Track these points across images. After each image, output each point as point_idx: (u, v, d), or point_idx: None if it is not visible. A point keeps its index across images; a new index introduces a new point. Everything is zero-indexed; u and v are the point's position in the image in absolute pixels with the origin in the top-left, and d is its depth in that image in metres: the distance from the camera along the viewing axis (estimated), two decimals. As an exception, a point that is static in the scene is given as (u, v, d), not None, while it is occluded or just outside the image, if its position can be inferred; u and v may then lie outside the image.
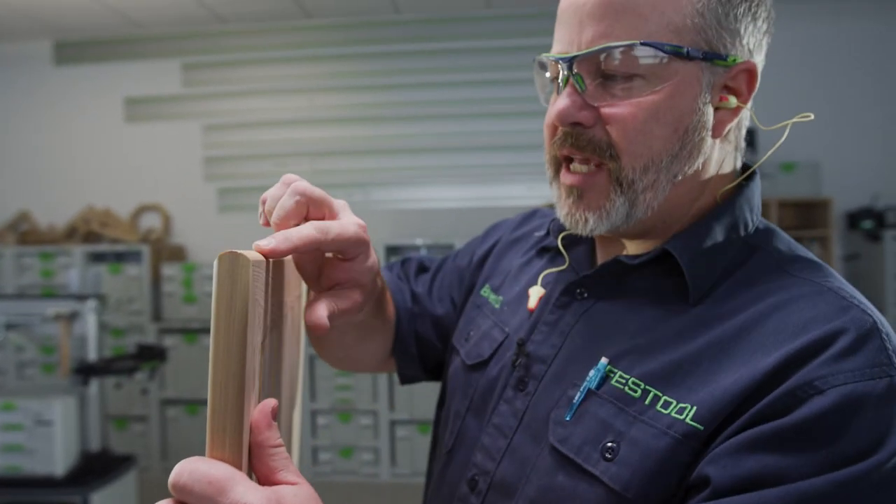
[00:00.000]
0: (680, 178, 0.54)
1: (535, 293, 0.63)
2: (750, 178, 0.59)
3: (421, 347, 0.80)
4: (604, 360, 0.52)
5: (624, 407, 0.49)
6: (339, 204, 0.53)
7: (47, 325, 2.41)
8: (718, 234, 0.54)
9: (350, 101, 3.70)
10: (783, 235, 0.57)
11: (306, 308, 0.49)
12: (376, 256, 0.56)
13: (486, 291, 0.73)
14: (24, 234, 3.72)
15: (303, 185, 0.50)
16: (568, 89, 0.53)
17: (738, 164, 0.60)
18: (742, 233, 0.55)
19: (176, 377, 3.30)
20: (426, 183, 3.67)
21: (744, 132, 0.59)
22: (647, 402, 0.48)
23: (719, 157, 0.57)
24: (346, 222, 0.50)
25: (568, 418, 0.52)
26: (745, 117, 0.58)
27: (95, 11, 3.42)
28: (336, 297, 0.51)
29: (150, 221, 3.79)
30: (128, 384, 3.08)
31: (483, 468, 0.59)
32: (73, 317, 2.32)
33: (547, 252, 0.69)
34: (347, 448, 3.26)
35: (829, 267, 0.53)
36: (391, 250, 3.37)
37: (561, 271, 0.64)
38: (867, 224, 3.28)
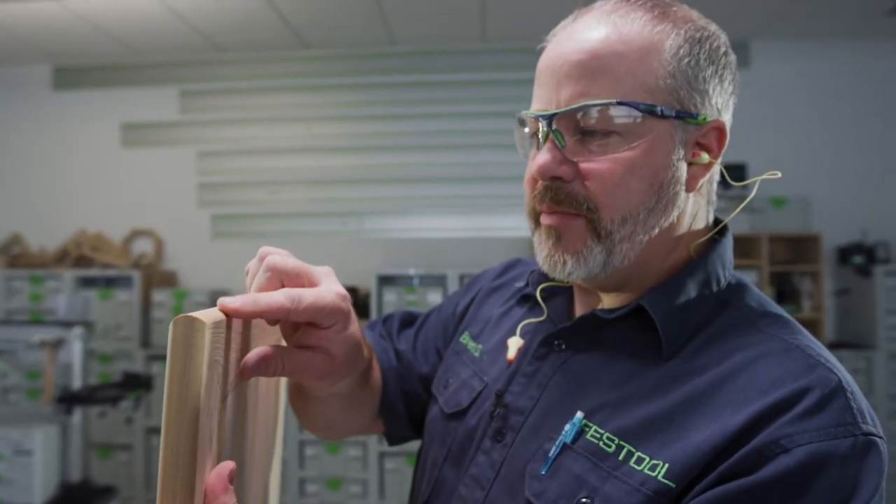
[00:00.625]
0: (657, 230, 0.55)
1: (514, 344, 0.64)
2: (721, 233, 0.61)
3: (409, 405, 0.79)
4: (579, 415, 0.53)
5: (598, 462, 0.50)
6: (323, 271, 0.52)
7: (33, 352, 2.38)
8: (692, 290, 0.55)
9: (346, 130, 3.73)
10: (754, 291, 0.58)
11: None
12: (359, 328, 0.55)
13: (465, 339, 0.73)
14: (15, 256, 3.70)
15: (274, 259, 0.50)
16: (548, 145, 0.55)
17: (710, 219, 0.61)
18: (714, 288, 0.57)
19: (162, 405, 3.25)
20: (420, 213, 3.68)
21: (715, 187, 0.61)
22: (620, 457, 0.49)
23: (692, 210, 0.58)
24: (324, 291, 0.49)
25: (543, 472, 0.52)
26: (716, 172, 0.60)
27: (95, 38, 3.46)
28: (292, 355, 0.49)
29: (143, 246, 3.78)
30: (113, 412, 3.03)
31: None
32: (58, 344, 2.30)
33: (527, 301, 0.69)
34: (335, 480, 3.21)
35: (798, 324, 0.54)
36: (384, 279, 3.36)
37: (539, 322, 0.64)
38: (858, 259, 3.30)
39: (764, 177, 0.59)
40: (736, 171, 3.26)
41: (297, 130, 3.74)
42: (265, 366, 0.46)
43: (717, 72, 0.56)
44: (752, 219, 3.29)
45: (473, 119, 3.63)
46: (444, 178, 3.67)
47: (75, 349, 2.31)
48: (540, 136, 0.56)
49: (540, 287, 0.66)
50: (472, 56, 3.66)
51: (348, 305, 0.51)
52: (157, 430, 3.28)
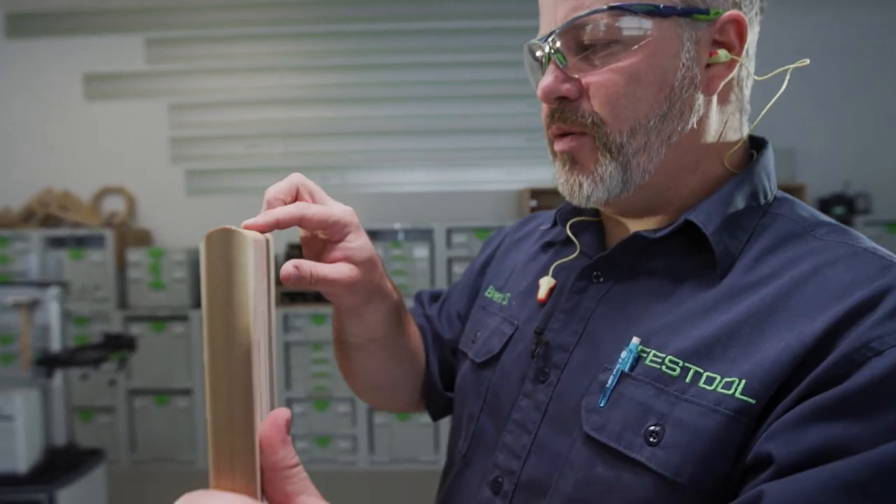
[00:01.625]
0: (675, 139, 0.53)
1: (545, 284, 0.62)
2: (763, 147, 0.59)
3: (442, 370, 0.78)
4: (635, 340, 0.50)
5: (663, 387, 0.47)
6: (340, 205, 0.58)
7: (5, 314, 2.27)
8: (739, 202, 0.53)
9: (324, 81, 3.58)
10: (803, 203, 0.56)
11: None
12: (369, 240, 0.59)
13: (490, 292, 0.71)
14: (-23, 217, 3.52)
15: (299, 175, 0.57)
16: (550, 66, 0.54)
17: (745, 131, 0.58)
18: (762, 201, 0.54)
19: (143, 366, 3.18)
20: (404, 166, 3.59)
21: (747, 94, 0.58)
22: (687, 380, 0.46)
23: (720, 119, 0.55)
24: (332, 204, 0.56)
25: (602, 404, 0.49)
26: (746, 77, 0.57)
27: (51, -19, 3.21)
28: (320, 265, 0.54)
29: (114, 205, 3.62)
30: (95, 375, 2.95)
31: (507, 468, 0.56)
32: (33, 305, 2.19)
33: (552, 246, 0.68)
34: (324, 437, 3.20)
35: (855, 230, 0.52)
36: (370, 234, 3.28)
37: (572, 259, 0.62)
38: (839, 210, 3.34)
39: (795, 65, 0.57)
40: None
41: (273, 81, 3.58)
42: (300, 274, 0.51)
43: None
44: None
45: (457, 69, 3.52)
46: (427, 130, 3.57)
47: (52, 310, 2.21)
48: (543, 59, 0.55)
49: (570, 222, 0.64)
50: (453, 4, 3.52)
51: (356, 219, 0.57)
52: (139, 393, 3.22)
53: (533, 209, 3.29)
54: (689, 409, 0.45)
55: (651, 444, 0.45)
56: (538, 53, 0.56)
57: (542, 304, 0.61)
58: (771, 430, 0.41)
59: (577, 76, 0.53)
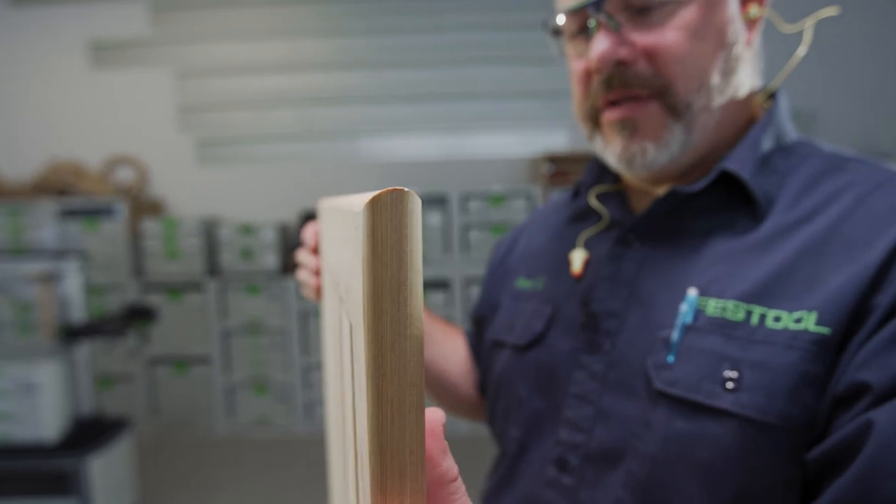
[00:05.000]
0: (730, 94, 0.54)
1: (579, 256, 0.61)
2: (775, 95, 0.59)
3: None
4: (693, 292, 0.50)
5: (732, 332, 0.46)
6: None
7: (23, 286, 2.27)
8: (767, 145, 0.54)
9: (335, 45, 3.51)
10: (824, 143, 0.56)
11: None
12: None
13: (521, 282, 0.69)
14: (-12, 188, 3.50)
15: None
16: (601, 32, 0.52)
17: (758, 82, 0.59)
18: (787, 142, 0.55)
19: (162, 335, 3.20)
20: (416, 132, 3.54)
21: (758, 48, 0.59)
22: (753, 322, 0.46)
23: (748, 71, 0.56)
24: None
25: (671, 360, 0.49)
26: (762, 30, 0.58)
27: (53, -56, 3.13)
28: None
29: (124, 174, 3.59)
30: (118, 345, 2.97)
31: (572, 443, 0.54)
32: (54, 277, 2.19)
33: (574, 222, 0.66)
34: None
35: (878, 159, 0.53)
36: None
37: (602, 230, 0.62)
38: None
39: (821, 15, 0.56)
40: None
41: (283, 47, 3.50)
42: None
43: None
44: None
45: (471, 32, 3.44)
46: (441, 95, 3.51)
47: (73, 281, 2.21)
48: (590, 25, 0.53)
49: (593, 193, 0.64)
50: (466, -38, 3.41)
51: None
52: (159, 361, 3.25)
53: (549, 176, 3.25)
54: (763, 350, 0.44)
55: (731, 391, 0.45)
56: (575, 25, 0.55)
57: (579, 278, 0.60)
58: (859, 357, 0.41)
59: (633, 39, 0.51)
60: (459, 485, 0.28)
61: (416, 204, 0.22)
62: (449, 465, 0.28)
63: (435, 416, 0.29)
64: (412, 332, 0.22)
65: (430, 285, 3.24)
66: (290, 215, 3.49)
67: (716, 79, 0.52)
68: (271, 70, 3.51)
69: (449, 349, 0.76)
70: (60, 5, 3.53)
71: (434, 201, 3.26)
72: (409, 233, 0.22)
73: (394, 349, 0.22)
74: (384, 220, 0.21)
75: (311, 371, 3.25)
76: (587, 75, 0.55)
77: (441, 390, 0.76)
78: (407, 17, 3.46)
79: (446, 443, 0.28)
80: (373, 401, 0.23)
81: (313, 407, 3.27)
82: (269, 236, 3.22)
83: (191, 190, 3.59)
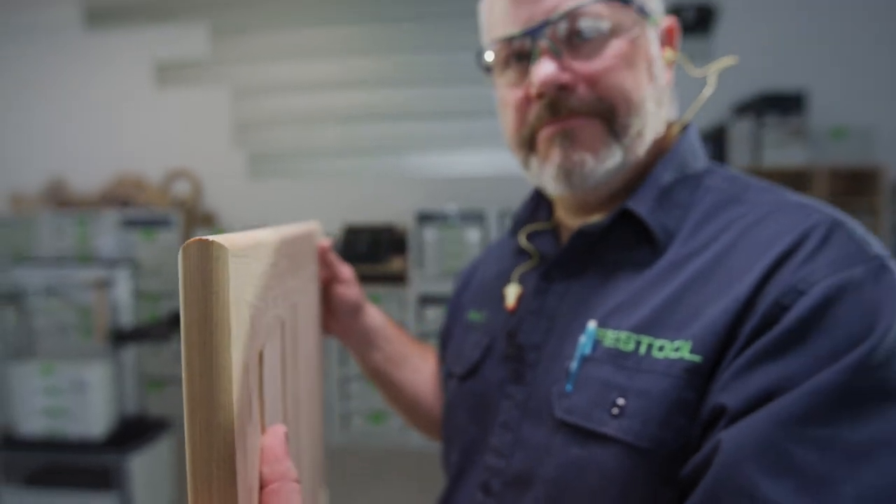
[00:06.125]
0: (659, 125, 0.57)
1: (513, 291, 0.64)
2: (686, 128, 0.62)
3: None
4: (592, 324, 0.53)
5: (621, 362, 0.49)
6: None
7: (84, 291, 2.43)
8: (667, 179, 0.56)
9: (380, 64, 3.61)
10: (728, 169, 0.59)
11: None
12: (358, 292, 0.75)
13: (472, 315, 0.72)
14: (61, 199, 3.77)
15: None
16: (545, 57, 0.54)
17: (674, 116, 0.62)
18: (690, 174, 0.58)
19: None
20: (459, 149, 3.59)
21: (672, 88, 0.62)
22: (641, 351, 0.48)
23: (668, 107, 0.60)
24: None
25: (569, 389, 0.52)
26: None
27: (123, -27, 3.36)
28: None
29: (181, 187, 3.79)
30: (165, 348, 3.13)
31: (495, 469, 0.58)
32: (107, 283, 2.34)
33: (515, 256, 0.70)
34: (377, 413, 3.28)
35: (779, 187, 0.55)
36: (423, 217, 3.32)
37: (534, 266, 0.65)
38: (921, 194, 3.11)
39: (722, 64, 0.58)
40: (793, 101, 3.07)
41: (333, 65, 3.63)
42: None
43: None
44: (808, 151, 3.12)
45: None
46: (483, 112, 3.55)
47: (123, 288, 2.35)
48: (533, 51, 0.54)
49: (524, 231, 0.67)
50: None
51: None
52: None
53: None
54: (645, 378, 0.47)
55: (615, 417, 0.47)
56: (513, 51, 0.57)
57: (512, 312, 0.63)
58: (720, 382, 0.43)
59: (574, 65, 0.54)
60: (299, 488, 0.31)
61: (221, 251, 0.24)
62: (290, 465, 0.31)
63: (278, 427, 0.33)
64: (218, 362, 0.25)
65: (466, 300, 3.25)
66: (332, 229, 3.60)
67: (651, 107, 0.55)
68: (320, 88, 3.64)
69: (425, 373, 0.80)
70: (129, 28, 3.78)
71: (473, 218, 3.29)
72: (213, 276, 0.24)
73: (202, 376, 0.25)
74: (192, 265, 0.25)
75: (349, 382, 3.32)
76: (525, 102, 0.57)
77: (415, 413, 0.79)
78: (451, 36, 3.53)
79: (288, 448, 0.32)
80: (187, 420, 0.25)
81: (350, 418, 3.33)
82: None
83: (241, 203, 3.75)
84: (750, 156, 3.14)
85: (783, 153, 3.09)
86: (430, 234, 3.29)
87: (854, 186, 3.23)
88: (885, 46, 3.24)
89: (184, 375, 0.25)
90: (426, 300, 3.25)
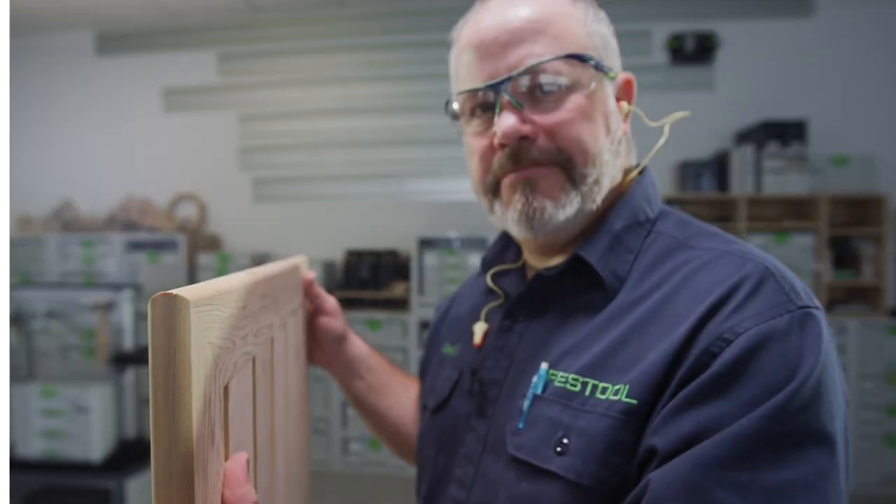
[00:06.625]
0: (616, 174, 0.60)
1: (480, 329, 0.67)
2: (642, 174, 0.64)
3: None
4: (544, 366, 0.55)
5: (568, 403, 0.51)
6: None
7: (87, 313, 2.45)
8: (619, 226, 0.59)
9: (385, 91, 3.67)
10: (679, 214, 0.61)
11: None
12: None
13: (447, 349, 0.75)
14: (67, 222, 3.81)
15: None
16: (506, 111, 0.56)
17: (632, 162, 0.65)
18: (643, 220, 0.60)
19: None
20: (461, 174, 3.63)
21: (629, 138, 0.65)
22: (587, 393, 0.51)
23: (624, 157, 0.63)
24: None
25: (521, 426, 0.54)
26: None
27: (135, 2, 3.45)
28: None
29: (187, 211, 3.84)
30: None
31: (458, 499, 0.59)
32: (110, 306, 2.36)
33: (485, 294, 0.72)
34: (377, 440, 3.26)
35: (727, 233, 0.57)
36: (425, 243, 3.33)
37: (500, 303, 0.67)
38: (925, 222, 3.11)
39: (676, 117, 0.61)
40: (796, 129, 3.09)
41: (336, 92, 3.69)
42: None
43: (611, 33, 0.61)
44: (811, 179, 3.13)
45: (515, 77, 3.52)
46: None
47: (125, 311, 2.37)
48: (497, 103, 0.57)
49: (491, 271, 0.71)
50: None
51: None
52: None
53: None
54: (587, 418, 0.49)
55: (559, 454, 0.50)
56: (476, 103, 0.60)
57: (479, 348, 0.66)
58: (653, 425, 0.45)
59: (534, 117, 0.56)
60: None
61: (183, 304, 0.29)
62: (249, 489, 0.35)
63: (241, 455, 0.36)
64: (179, 397, 0.29)
65: (468, 326, 3.25)
66: (335, 253, 3.62)
67: (607, 157, 0.58)
68: (324, 114, 3.70)
69: (406, 402, 0.82)
70: (140, 55, 3.87)
71: (474, 243, 3.30)
72: (176, 326, 0.28)
73: (165, 409, 0.29)
74: (158, 315, 0.29)
75: (348, 406, 3.30)
76: (490, 151, 0.59)
77: (397, 440, 0.82)
78: (454, 65, 3.59)
79: (248, 475, 0.35)
80: (153, 451, 0.29)
81: (349, 443, 3.31)
82: (315, 273, 3.34)
83: (246, 227, 3.78)
84: (752, 183, 3.15)
85: (784, 180, 3.10)
86: (431, 259, 3.31)
87: (857, 214, 3.23)
88: (887, 75, 3.27)
89: (150, 410, 0.29)
90: (428, 326, 3.25)
